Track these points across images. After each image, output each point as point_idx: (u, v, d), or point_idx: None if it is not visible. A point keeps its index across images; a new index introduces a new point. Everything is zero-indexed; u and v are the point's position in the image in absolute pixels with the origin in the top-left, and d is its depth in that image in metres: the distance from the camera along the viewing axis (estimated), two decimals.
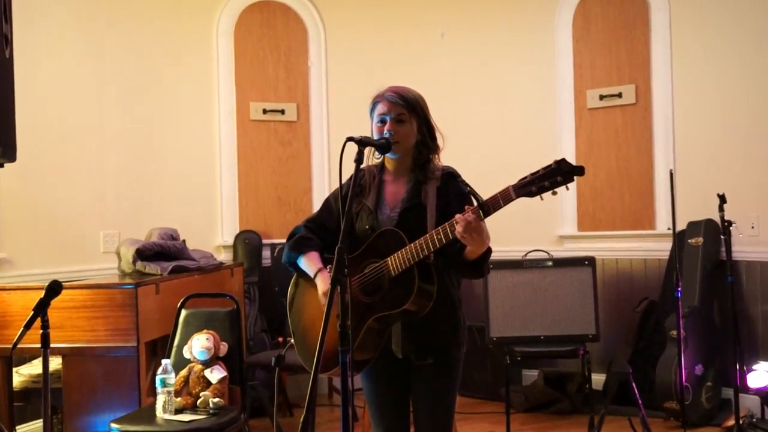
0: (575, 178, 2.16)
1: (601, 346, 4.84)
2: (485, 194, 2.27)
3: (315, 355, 1.99)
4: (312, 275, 2.52)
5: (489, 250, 2.37)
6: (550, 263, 4.59)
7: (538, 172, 2.17)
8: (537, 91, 5.34)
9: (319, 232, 2.62)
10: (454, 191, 2.47)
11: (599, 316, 4.51)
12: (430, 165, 2.52)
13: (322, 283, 2.46)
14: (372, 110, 2.51)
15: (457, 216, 2.23)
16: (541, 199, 2.19)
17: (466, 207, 2.25)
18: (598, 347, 4.84)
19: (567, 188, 2.17)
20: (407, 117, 2.46)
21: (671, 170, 4.08)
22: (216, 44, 5.37)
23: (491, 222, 2.26)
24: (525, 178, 2.19)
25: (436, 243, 2.29)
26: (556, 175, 2.15)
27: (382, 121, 2.46)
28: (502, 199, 2.20)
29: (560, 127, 5.24)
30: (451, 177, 2.52)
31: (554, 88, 5.27)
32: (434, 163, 2.54)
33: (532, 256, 4.88)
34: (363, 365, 2.45)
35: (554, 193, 2.16)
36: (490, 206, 2.22)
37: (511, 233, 4.98)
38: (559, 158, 2.17)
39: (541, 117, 5.31)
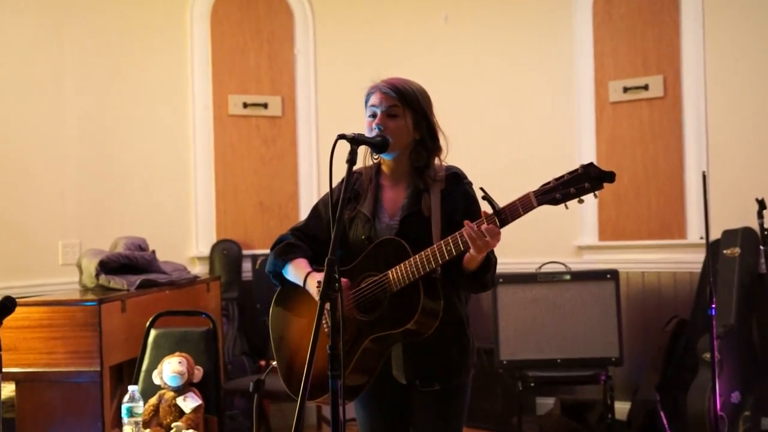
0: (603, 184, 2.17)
1: (625, 370, 4.85)
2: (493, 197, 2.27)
3: (301, 381, 1.97)
4: (301, 281, 2.51)
5: (493, 260, 2.37)
6: (568, 277, 4.59)
7: (563, 177, 2.18)
8: (552, 83, 5.35)
9: (307, 241, 2.62)
10: (460, 194, 2.47)
11: (623, 336, 4.52)
12: (429, 169, 2.53)
13: (313, 282, 2.45)
14: (366, 101, 2.52)
15: (476, 225, 2.22)
16: (566, 207, 2.19)
17: (483, 213, 2.25)
18: (621, 372, 4.84)
19: (595, 196, 2.18)
20: (401, 111, 2.46)
21: (704, 172, 4.09)
22: (190, 29, 5.38)
23: (501, 231, 2.27)
24: (548, 183, 2.19)
25: (445, 255, 2.28)
26: (584, 181, 2.15)
27: (373, 115, 2.47)
28: (522, 206, 2.20)
29: (579, 123, 5.25)
30: (456, 178, 2.52)
31: (572, 79, 5.29)
32: (435, 166, 2.54)
33: (547, 268, 4.88)
34: (357, 391, 2.45)
35: (581, 201, 2.17)
36: (507, 214, 2.22)
37: (524, 243, 4.97)
38: (586, 162, 2.18)
39: (558, 112, 5.33)
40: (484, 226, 2.21)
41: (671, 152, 5.03)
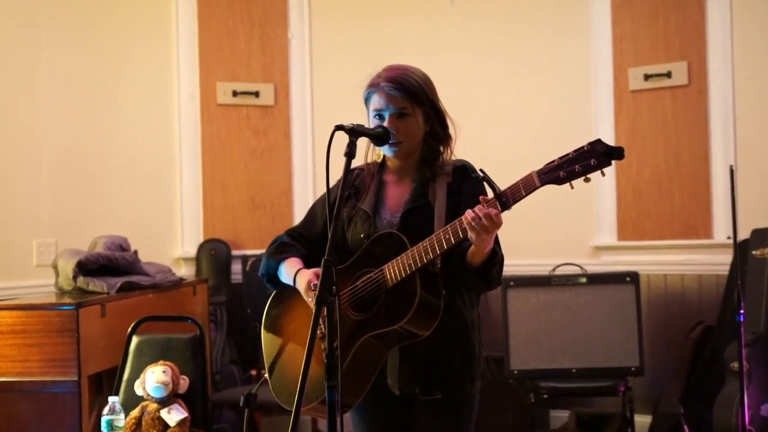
0: (614, 164, 2.18)
1: (646, 381, 4.85)
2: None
3: (293, 389, 1.98)
4: (291, 280, 2.52)
5: (499, 255, 2.38)
6: (584, 280, 4.60)
7: (567, 155, 2.20)
8: (567, 70, 5.35)
9: (302, 241, 2.65)
10: (468, 188, 2.48)
11: (644, 344, 4.52)
12: (439, 160, 2.54)
13: (303, 280, 2.46)
14: (367, 100, 2.52)
15: (475, 208, 2.22)
16: (571, 187, 2.21)
17: (481, 198, 2.26)
18: (642, 383, 4.85)
19: (603, 174, 2.19)
20: (410, 109, 2.47)
21: (731, 166, 4.10)
22: (175, 11, 5.38)
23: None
24: (552, 162, 2.21)
25: (443, 244, 2.29)
26: (589, 157, 2.17)
27: (380, 117, 2.46)
28: (524, 187, 2.22)
29: (596, 113, 5.25)
30: (464, 171, 2.54)
31: (588, 65, 5.28)
32: (444, 157, 2.55)
33: (561, 270, 4.89)
34: (353, 401, 2.45)
35: (587, 180, 2.18)
36: (509, 196, 2.23)
37: (536, 243, 5.00)
38: (593, 139, 2.19)
39: (573, 101, 5.32)
40: (481, 210, 2.22)
41: (696, 145, 5.03)
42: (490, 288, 2.44)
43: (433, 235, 2.32)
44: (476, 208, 2.22)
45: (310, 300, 2.41)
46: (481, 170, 2.32)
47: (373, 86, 2.49)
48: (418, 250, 2.32)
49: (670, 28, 5.08)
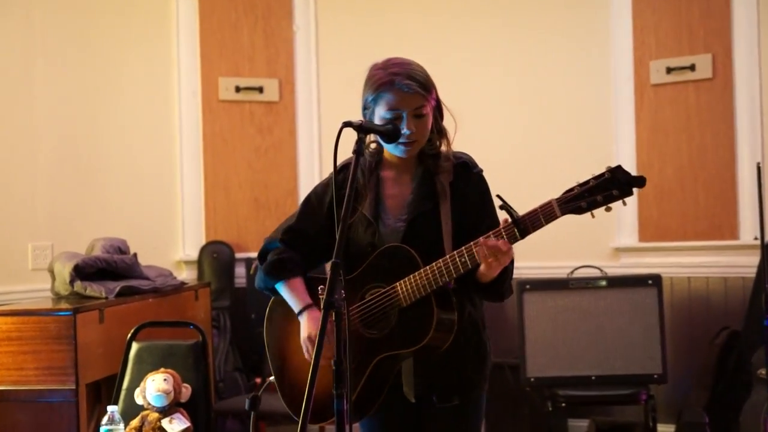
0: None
1: (670, 389, 4.84)
2: (514, 199, 2.29)
3: (303, 401, 1.99)
4: (296, 311, 2.55)
5: (509, 269, 2.40)
6: (604, 283, 4.59)
7: (588, 182, 2.22)
8: (586, 64, 5.34)
9: (300, 243, 2.62)
10: (472, 188, 2.49)
11: (666, 350, 4.51)
12: (440, 154, 2.55)
13: (308, 326, 2.49)
14: (375, 99, 2.46)
15: (487, 241, 2.26)
16: (592, 216, 2.24)
17: (494, 232, 2.29)
18: (665, 390, 4.84)
19: (624, 203, 2.22)
20: (427, 107, 2.47)
21: (758, 164, 4.09)
22: (176, 4, 5.39)
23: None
24: (572, 190, 2.24)
25: (459, 268, 2.32)
26: (611, 187, 2.20)
27: (396, 118, 2.44)
28: (544, 216, 2.25)
29: (616, 109, 5.24)
30: (466, 168, 2.54)
31: (608, 58, 5.28)
32: (444, 151, 2.56)
33: (580, 273, 4.88)
34: (364, 412, 2.47)
35: (608, 209, 2.21)
36: (528, 224, 2.26)
37: (554, 245, 4.96)
38: (613, 165, 2.22)
39: (592, 96, 5.32)
40: (494, 241, 2.26)
41: (721, 141, 5.02)
42: (502, 300, 2.49)
43: (447, 257, 2.34)
44: (488, 243, 2.27)
45: (306, 351, 2.48)
46: (498, 196, 2.35)
47: (386, 84, 2.44)
48: (433, 271, 2.35)
49: (694, 18, 5.07)
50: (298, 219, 2.65)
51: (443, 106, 2.56)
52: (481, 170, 2.55)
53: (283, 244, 2.62)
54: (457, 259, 2.31)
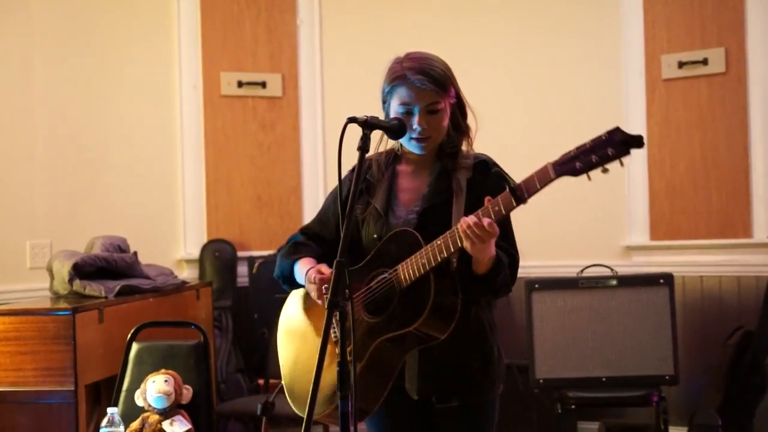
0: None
1: (682, 390, 4.84)
2: None
3: (305, 394, 2.00)
4: (303, 280, 2.56)
5: (504, 261, 2.38)
6: (614, 282, 4.58)
7: (584, 144, 2.21)
8: (596, 58, 5.33)
9: (316, 241, 2.68)
10: (490, 185, 2.49)
11: (678, 351, 4.51)
12: (460, 152, 2.55)
13: (304, 272, 2.51)
14: (390, 92, 2.50)
15: (467, 219, 2.26)
16: (589, 178, 2.22)
17: (486, 199, 2.28)
18: (677, 392, 4.83)
19: (621, 164, 2.19)
20: (441, 104, 2.48)
21: None
22: None
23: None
24: (568, 152, 2.23)
25: (458, 242, 2.31)
26: (607, 147, 2.17)
27: (408, 113, 2.46)
28: (539, 180, 2.23)
29: (626, 104, 5.24)
30: (485, 166, 2.55)
31: (618, 52, 5.27)
32: (464, 149, 2.56)
33: (590, 272, 4.87)
34: (368, 410, 2.47)
35: (605, 171, 2.19)
36: (524, 190, 2.24)
37: (563, 243, 4.99)
38: (611, 128, 2.19)
39: (602, 91, 5.31)
40: (473, 219, 2.24)
41: (734, 137, 5.01)
42: (498, 296, 2.49)
43: (447, 233, 2.33)
44: (470, 217, 2.26)
45: (313, 289, 2.47)
46: (495, 165, 2.38)
47: (399, 78, 2.47)
48: (432, 248, 2.34)
49: (706, 11, 5.06)
50: (316, 219, 2.74)
51: (466, 105, 2.56)
52: (498, 171, 2.55)
53: (304, 237, 2.70)
54: (456, 236, 2.30)
